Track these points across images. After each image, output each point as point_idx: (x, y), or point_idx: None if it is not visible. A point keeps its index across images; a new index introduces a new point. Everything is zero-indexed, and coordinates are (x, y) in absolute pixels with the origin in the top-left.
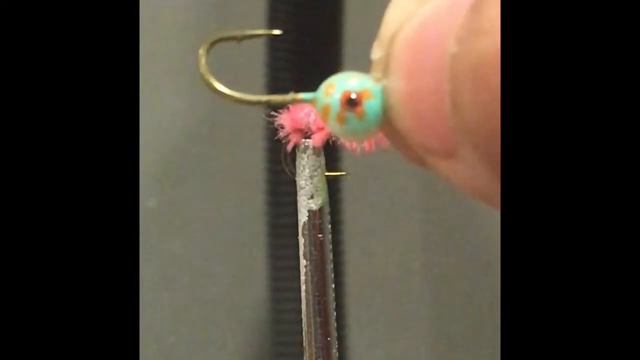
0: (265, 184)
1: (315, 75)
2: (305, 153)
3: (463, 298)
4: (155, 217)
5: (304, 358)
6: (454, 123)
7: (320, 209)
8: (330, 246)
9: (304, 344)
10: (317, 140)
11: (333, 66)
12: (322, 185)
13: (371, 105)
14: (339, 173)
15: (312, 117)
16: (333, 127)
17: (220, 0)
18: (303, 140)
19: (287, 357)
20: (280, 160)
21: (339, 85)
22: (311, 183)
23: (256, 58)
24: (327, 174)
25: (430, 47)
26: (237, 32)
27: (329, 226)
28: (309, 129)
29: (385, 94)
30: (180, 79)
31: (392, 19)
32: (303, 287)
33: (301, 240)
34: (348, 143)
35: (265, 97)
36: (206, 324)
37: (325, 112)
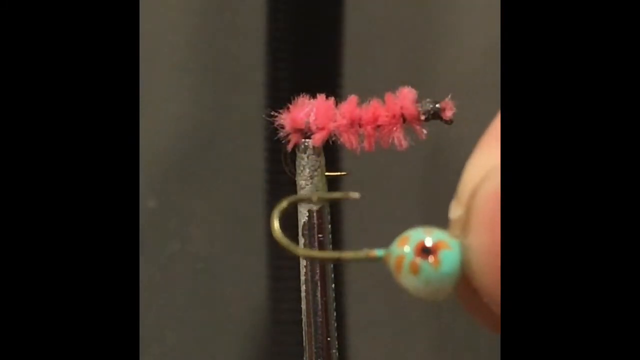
0: (265, 184)
1: (315, 75)
2: (305, 153)
3: None
4: (155, 217)
5: (304, 358)
6: None
7: (320, 209)
8: (330, 246)
9: (304, 344)
10: (317, 140)
11: (333, 66)
12: (322, 185)
13: (447, 255)
14: (339, 173)
15: (312, 117)
16: (406, 279)
17: (221, 0)
18: (303, 140)
19: (287, 357)
20: (280, 160)
21: (414, 237)
22: (311, 183)
23: (256, 58)
24: (327, 174)
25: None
26: (313, 194)
27: (329, 226)
28: (309, 129)
29: (464, 249)
30: (180, 79)
31: (471, 177)
32: (303, 287)
33: (301, 240)
34: (349, 144)
35: (337, 254)
36: (206, 324)
37: (398, 263)
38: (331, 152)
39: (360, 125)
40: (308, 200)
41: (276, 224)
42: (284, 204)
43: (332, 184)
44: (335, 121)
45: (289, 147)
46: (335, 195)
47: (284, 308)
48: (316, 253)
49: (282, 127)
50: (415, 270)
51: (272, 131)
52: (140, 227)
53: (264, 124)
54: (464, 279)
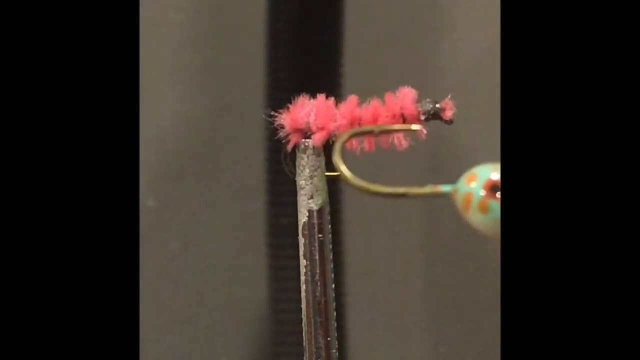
0: (265, 184)
1: (315, 75)
2: (305, 153)
3: (463, 297)
4: (155, 217)
5: (304, 358)
6: None
7: (320, 209)
8: (330, 246)
9: (304, 344)
10: (317, 140)
11: (333, 66)
12: (322, 185)
13: None
14: (339, 173)
15: (312, 117)
16: (475, 217)
17: (221, 0)
18: (303, 140)
19: (287, 357)
20: (280, 160)
21: (482, 175)
22: (311, 183)
23: (256, 58)
24: (327, 174)
25: None
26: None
27: (329, 226)
28: (309, 129)
29: None
30: (180, 79)
31: None
32: (303, 287)
33: (301, 240)
34: (349, 144)
35: (402, 189)
36: (206, 324)
37: (466, 201)
38: (331, 152)
39: (360, 125)
40: (370, 132)
41: (342, 166)
42: (344, 136)
43: (332, 184)
44: (335, 121)
45: (289, 147)
46: (395, 127)
47: (284, 308)
48: (383, 189)
49: (282, 127)
50: (484, 209)
51: (272, 131)
52: (140, 227)
53: (264, 124)
54: None
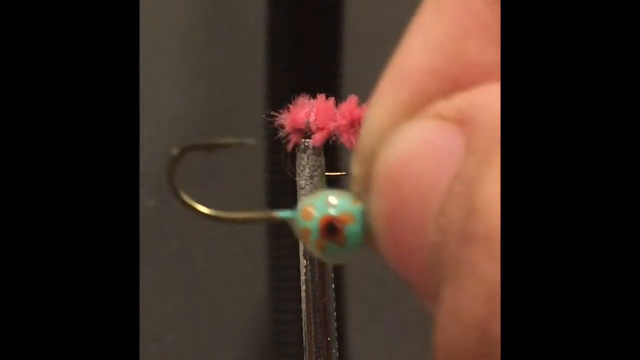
0: (265, 184)
1: (315, 75)
2: (305, 153)
3: None
4: (155, 217)
5: (304, 358)
6: (437, 284)
7: None
8: None
9: (304, 344)
10: (317, 140)
11: (333, 66)
12: (322, 185)
13: (352, 230)
14: (339, 173)
15: (312, 117)
16: (313, 251)
17: (221, 0)
18: (303, 140)
19: (287, 357)
20: (280, 160)
21: (319, 207)
22: (311, 183)
23: (256, 58)
24: (327, 174)
25: (410, 195)
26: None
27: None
28: (309, 129)
29: (366, 214)
30: (180, 79)
31: (371, 131)
32: (303, 287)
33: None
34: (349, 144)
35: (239, 215)
36: (206, 324)
37: (304, 235)
38: (331, 152)
39: (360, 125)
40: (205, 147)
41: (174, 177)
42: (176, 152)
43: (332, 184)
44: (335, 121)
45: (289, 147)
46: (226, 141)
47: (284, 308)
48: (216, 212)
49: (282, 127)
50: (322, 248)
51: (272, 131)
52: (140, 227)
53: (264, 124)
54: (370, 240)
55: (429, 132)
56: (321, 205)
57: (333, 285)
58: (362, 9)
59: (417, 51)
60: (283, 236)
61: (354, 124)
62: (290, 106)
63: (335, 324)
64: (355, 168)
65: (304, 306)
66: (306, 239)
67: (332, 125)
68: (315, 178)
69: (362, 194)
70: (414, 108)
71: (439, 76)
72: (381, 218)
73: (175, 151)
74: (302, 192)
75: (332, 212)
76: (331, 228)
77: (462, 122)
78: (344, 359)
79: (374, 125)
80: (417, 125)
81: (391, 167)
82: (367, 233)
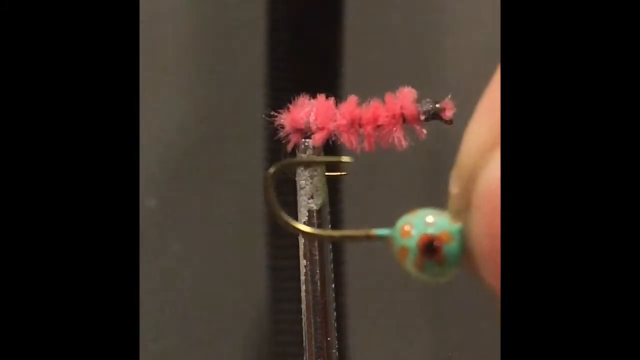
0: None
1: (315, 75)
2: (305, 153)
3: (464, 297)
4: (155, 217)
5: (304, 358)
6: None
7: (320, 209)
8: (330, 246)
9: (304, 344)
10: (317, 140)
11: (333, 66)
12: (322, 185)
13: (451, 248)
14: (339, 173)
15: (312, 117)
16: (410, 271)
17: (221, 0)
18: (303, 140)
19: (287, 357)
20: (280, 160)
21: (417, 226)
22: (311, 183)
23: (256, 58)
24: (327, 174)
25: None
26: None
27: (329, 226)
28: (309, 129)
29: (465, 233)
30: (180, 79)
31: (470, 150)
32: (303, 287)
33: (301, 240)
34: (349, 144)
35: (338, 233)
36: (206, 324)
37: (402, 254)
38: (331, 152)
39: (360, 125)
40: (301, 163)
41: (272, 195)
42: (272, 170)
43: (332, 183)
44: (335, 121)
45: (289, 147)
46: (328, 158)
47: (284, 308)
48: (316, 230)
49: (282, 127)
50: (420, 267)
51: (272, 131)
52: (140, 227)
53: (264, 124)
54: (468, 259)
55: None
56: (420, 223)
57: (333, 285)
58: (362, 9)
59: None
60: (283, 236)
61: (354, 124)
62: (290, 106)
63: (335, 324)
64: (454, 187)
65: (304, 306)
66: (404, 257)
67: (332, 125)
68: (315, 178)
69: (461, 213)
70: None
71: None
72: (483, 235)
73: (272, 169)
74: (302, 192)
75: (431, 230)
76: (430, 247)
77: None
78: (344, 359)
79: (474, 145)
80: None
81: (495, 185)
82: (466, 252)
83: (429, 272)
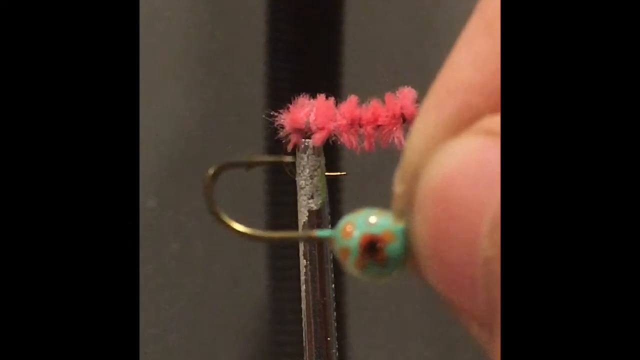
0: (265, 184)
1: (315, 75)
2: (305, 153)
3: None
4: (155, 218)
5: (304, 358)
6: (488, 305)
7: (320, 209)
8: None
9: (304, 344)
10: (317, 140)
11: (333, 66)
12: (322, 185)
13: (393, 248)
14: (339, 173)
15: (312, 117)
16: (352, 272)
17: (221, 0)
18: (303, 140)
19: (287, 357)
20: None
21: (359, 226)
22: (311, 183)
23: (256, 58)
24: (327, 174)
25: (459, 212)
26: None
27: (329, 226)
28: (309, 129)
29: (407, 233)
30: (180, 79)
31: (415, 148)
32: (303, 287)
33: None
34: (348, 144)
35: (277, 235)
36: (206, 324)
37: (344, 254)
38: (331, 152)
39: (360, 125)
40: (241, 164)
41: (211, 194)
42: (211, 171)
43: (332, 183)
44: (335, 121)
45: (289, 147)
46: (270, 159)
47: (284, 308)
48: (253, 231)
49: (282, 127)
50: (361, 267)
51: (272, 131)
52: (140, 227)
53: (264, 124)
54: (410, 260)
55: (479, 147)
56: (362, 223)
57: (333, 285)
58: (362, 9)
59: (463, 67)
60: None
61: (354, 124)
62: (290, 106)
63: (335, 324)
64: (398, 186)
65: (304, 306)
66: (345, 258)
67: (332, 125)
68: (315, 178)
69: (404, 213)
70: (460, 124)
71: (485, 92)
72: (426, 236)
73: (211, 170)
74: (302, 192)
75: (373, 230)
76: (372, 247)
77: None
78: (344, 359)
79: (418, 142)
80: (464, 141)
81: (438, 184)
82: (409, 252)
83: (370, 273)
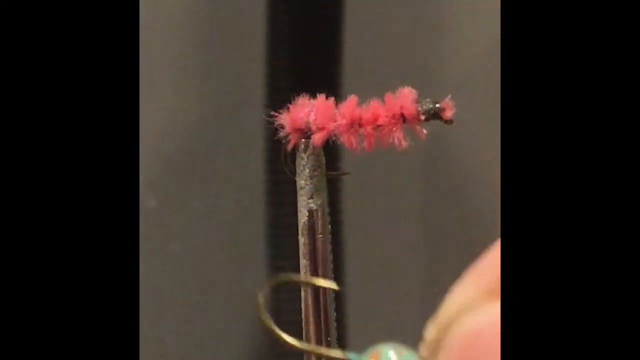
0: (265, 184)
1: (315, 75)
2: (305, 153)
3: None
4: (155, 218)
5: (304, 358)
6: None
7: (320, 209)
8: (330, 246)
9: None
10: (317, 140)
11: (333, 66)
12: (322, 185)
13: None
14: (339, 173)
15: (312, 117)
16: None
17: (221, 0)
18: (303, 140)
19: (287, 357)
20: (280, 160)
21: (385, 356)
22: (311, 183)
23: (256, 58)
24: (327, 173)
25: (485, 357)
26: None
27: (329, 226)
28: (309, 129)
29: None
30: (180, 79)
31: (453, 305)
32: (303, 287)
33: (301, 240)
34: (348, 144)
35: (323, 351)
36: (206, 324)
37: None
38: (331, 152)
39: (360, 125)
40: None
41: (265, 313)
42: (267, 288)
43: (332, 184)
44: (335, 121)
45: (289, 147)
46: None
47: (284, 308)
48: (301, 344)
49: (282, 127)
50: None
51: (272, 131)
52: (140, 227)
53: (264, 124)
54: None
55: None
56: (386, 353)
57: None
58: (362, 9)
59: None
60: (283, 236)
61: (354, 124)
62: (290, 106)
63: (335, 324)
64: (431, 332)
65: (303, 306)
66: None
67: (332, 125)
68: (315, 178)
69: (429, 357)
70: (495, 292)
71: None
72: None
73: (263, 291)
74: (302, 192)
75: None
76: None
77: None
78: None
79: (458, 300)
80: (497, 304)
81: (468, 333)
82: None
83: None
